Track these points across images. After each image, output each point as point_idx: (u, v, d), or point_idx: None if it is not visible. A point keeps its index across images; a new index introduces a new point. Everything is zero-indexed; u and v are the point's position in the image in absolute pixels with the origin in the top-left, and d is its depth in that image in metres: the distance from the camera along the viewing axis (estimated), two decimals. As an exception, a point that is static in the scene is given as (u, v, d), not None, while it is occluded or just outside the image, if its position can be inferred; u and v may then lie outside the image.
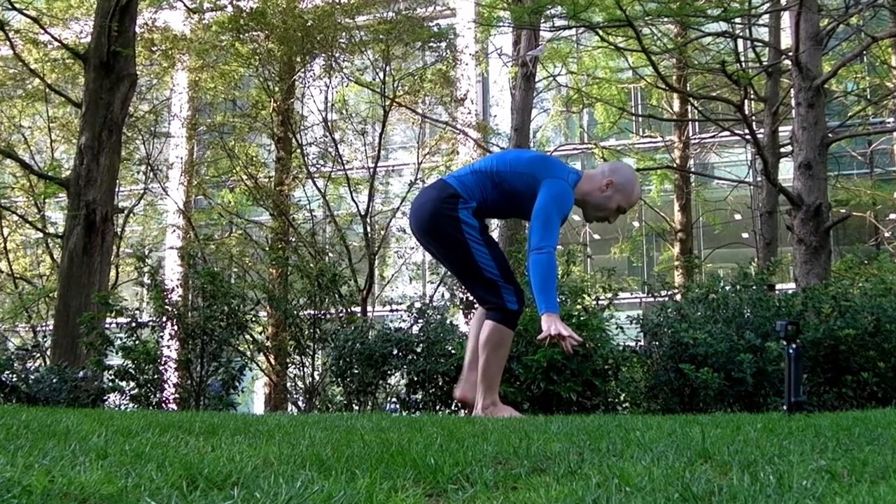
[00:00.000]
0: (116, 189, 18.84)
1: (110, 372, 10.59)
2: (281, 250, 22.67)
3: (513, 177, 6.41)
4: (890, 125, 26.31)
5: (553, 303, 6.14)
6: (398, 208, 25.25)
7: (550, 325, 6.05)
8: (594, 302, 9.86)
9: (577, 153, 33.72)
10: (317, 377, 11.25)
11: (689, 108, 27.36)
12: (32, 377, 10.83)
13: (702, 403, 8.13)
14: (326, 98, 25.16)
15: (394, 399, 10.00)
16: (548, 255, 6.13)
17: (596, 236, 33.90)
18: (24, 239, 29.88)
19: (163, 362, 10.64)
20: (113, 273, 23.37)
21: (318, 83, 25.08)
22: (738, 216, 31.39)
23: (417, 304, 10.48)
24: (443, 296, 12.00)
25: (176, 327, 10.79)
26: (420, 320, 10.15)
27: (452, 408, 9.12)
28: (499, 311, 6.33)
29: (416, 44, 24.64)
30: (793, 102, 14.82)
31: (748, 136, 17.52)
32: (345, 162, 24.48)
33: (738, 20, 19.62)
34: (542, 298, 6.13)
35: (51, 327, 16.90)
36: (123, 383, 10.58)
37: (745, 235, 30.67)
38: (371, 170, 23.78)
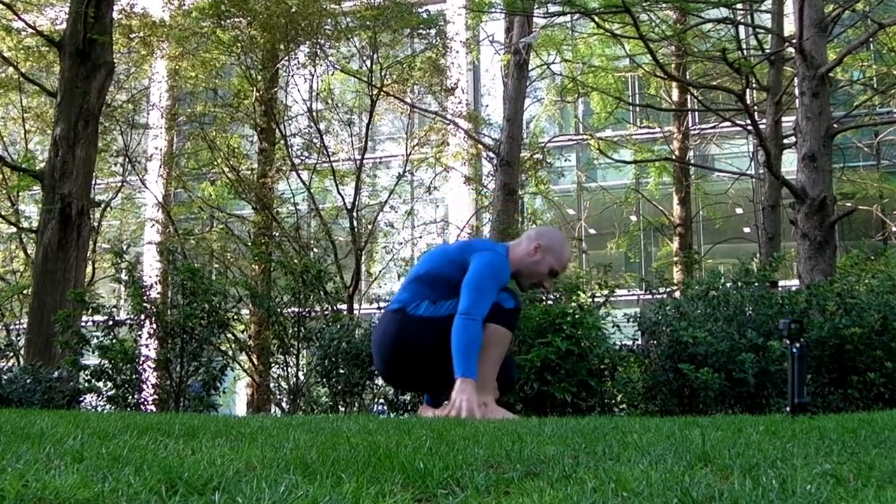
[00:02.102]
0: (93, 182, 18.79)
1: (86, 372, 10.56)
2: (264, 245, 22.72)
3: (447, 267, 6.54)
4: (897, 115, 26.34)
5: (473, 369, 6.18)
6: (386, 202, 25.27)
7: (460, 395, 6.10)
8: (590, 299, 9.86)
9: (573, 144, 33.77)
10: (301, 377, 11.24)
11: (689, 97, 27.42)
12: (5, 377, 10.81)
13: (702, 405, 8.14)
14: (311, 87, 25.21)
15: (381, 400, 10.00)
16: (476, 323, 6.22)
17: (592, 231, 33.95)
18: (-4, 234, 29.89)
19: (141, 362, 10.61)
20: (89, 269, 23.39)
21: (302, 72, 25.13)
22: (739, 210, 31.44)
23: (406, 302, 10.46)
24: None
25: (155, 326, 10.77)
26: (409, 318, 10.14)
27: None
28: (495, 313, 6.36)
29: (405, 31, 24.67)
30: (796, 92, 14.83)
31: (750, 127, 17.54)
32: (330, 153, 24.52)
33: (739, 6, 19.64)
34: (460, 362, 6.17)
35: (24, 325, 16.85)
36: (100, 384, 10.55)
37: (746, 230, 30.73)
38: (358, 162, 23.82)
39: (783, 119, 20.63)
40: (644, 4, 16.94)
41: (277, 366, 11.49)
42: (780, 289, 11.16)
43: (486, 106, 30.95)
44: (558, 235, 6.90)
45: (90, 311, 11.14)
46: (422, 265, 6.77)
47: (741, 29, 21.35)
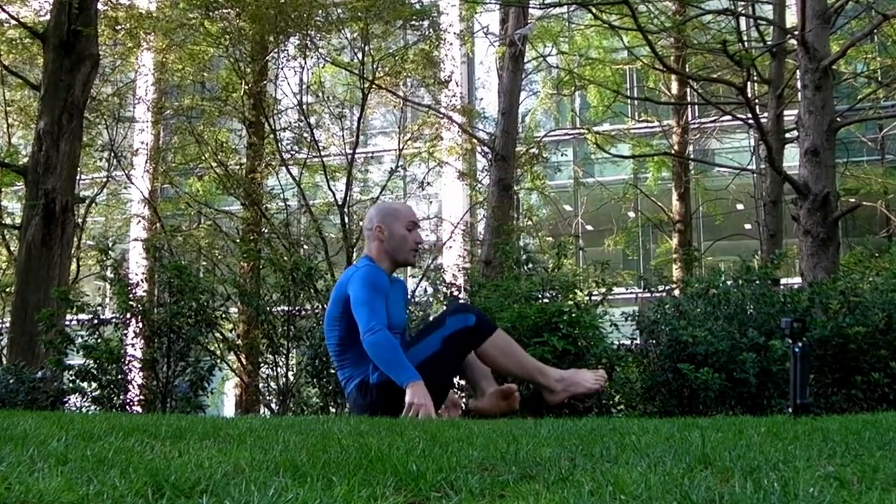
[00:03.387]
0: (77, 177, 18.78)
1: (71, 372, 10.54)
2: (253, 242, 22.69)
3: (343, 322, 6.72)
4: (902, 109, 26.36)
5: (409, 372, 6.36)
6: (378, 197, 25.24)
7: (412, 399, 6.23)
8: (587, 297, 9.85)
9: (569, 139, 33.74)
10: (291, 377, 11.22)
11: (688, 90, 27.42)
12: (-13, 378, 10.80)
13: (701, 405, 8.14)
14: (301, 80, 25.18)
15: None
16: (381, 333, 6.41)
17: (589, 227, 33.95)
18: (-23, 230, 29.82)
19: (127, 362, 10.58)
20: (74, 267, 23.35)
21: (292, 64, 25.09)
22: (740, 206, 31.42)
23: (398, 300, 10.45)
24: (425, 290, 11.99)
25: (141, 324, 10.75)
26: (401, 317, 10.14)
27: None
28: (472, 335, 6.61)
29: (397, 22, 24.63)
30: (798, 85, 14.84)
31: (751, 121, 17.53)
32: (321, 148, 24.49)
33: (740, -3, 19.65)
34: (395, 375, 6.36)
35: (7, 324, 16.83)
36: (85, 384, 10.53)
37: (747, 226, 30.75)
38: (349, 156, 23.79)
39: (785, 113, 20.64)
40: (643, -5, 16.96)
41: (267, 366, 11.47)
42: (781, 287, 11.16)
43: (481, 99, 30.95)
44: (383, 204, 7.60)
45: (75, 309, 11.10)
46: (328, 340, 6.98)
47: (742, 20, 21.35)
